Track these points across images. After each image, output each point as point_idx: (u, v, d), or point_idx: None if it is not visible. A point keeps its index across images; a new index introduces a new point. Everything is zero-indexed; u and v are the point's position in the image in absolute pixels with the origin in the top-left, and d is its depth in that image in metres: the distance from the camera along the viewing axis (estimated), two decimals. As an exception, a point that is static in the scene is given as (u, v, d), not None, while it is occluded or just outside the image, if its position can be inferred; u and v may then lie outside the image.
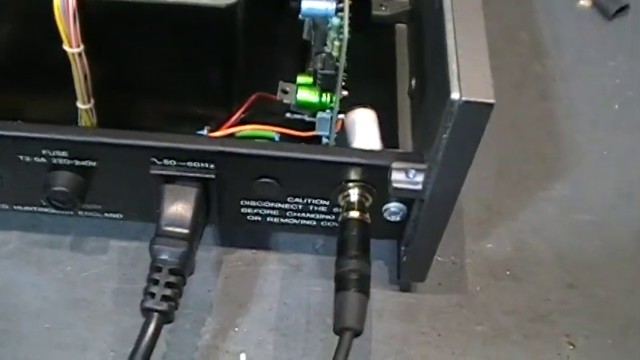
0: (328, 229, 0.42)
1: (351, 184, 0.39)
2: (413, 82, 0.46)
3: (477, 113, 0.32)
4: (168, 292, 0.36)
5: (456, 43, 0.34)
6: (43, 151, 0.38)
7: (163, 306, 0.36)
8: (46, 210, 0.41)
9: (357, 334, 0.36)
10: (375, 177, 0.38)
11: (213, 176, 0.38)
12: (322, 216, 0.41)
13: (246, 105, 0.42)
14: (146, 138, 0.38)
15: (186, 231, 0.38)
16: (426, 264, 0.41)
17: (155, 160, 0.38)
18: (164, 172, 0.38)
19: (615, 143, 0.51)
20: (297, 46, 0.43)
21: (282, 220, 0.41)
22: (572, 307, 0.44)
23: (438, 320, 0.43)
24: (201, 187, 0.39)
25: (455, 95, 0.32)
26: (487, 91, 0.32)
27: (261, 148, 0.38)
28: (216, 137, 0.40)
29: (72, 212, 0.40)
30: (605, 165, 0.50)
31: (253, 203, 0.41)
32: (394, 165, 0.37)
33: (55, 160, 0.38)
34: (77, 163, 0.38)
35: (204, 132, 0.41)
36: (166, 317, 0.36)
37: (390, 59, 0.50)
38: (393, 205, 0.40)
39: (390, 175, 0.37)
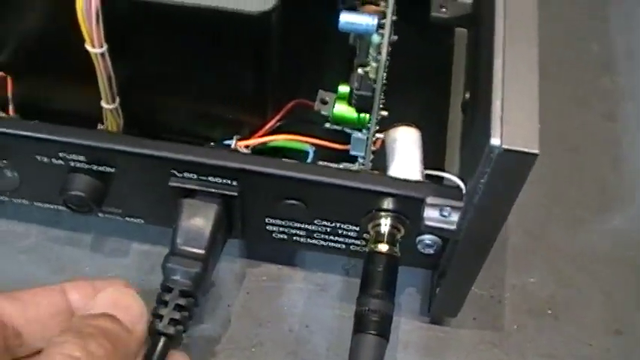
0: (358, 254, 0.39)
1: (382, 214, 0.36)
2: (467, 95, 0.43)
3: (519, 163, 0.29)
4: (177, 315, 0.35)
5: (503, 78, 0.30)
6: (60, 154, 0.37)
7: (170, 330, 0.34)
8: (64, 208, 0.40)
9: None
10: (409, 209, 0.35)
11: (235, 193, 0.36)
12: (351, 240, 0.39)
13: (282, 112, 0.40)
14: (166, 149, 0.36)
15: (202, 251, 0.36)
16: (459, 299, 0.39)
17: (175, 172, 0.36)
18: (184, 185, 0.36)
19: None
20: (345, 50, 0.40)
21: (309, 240, 0.39)
22: (615, 355, 0.41)
23: (467, 358, 0.40)
24: (222, 204, 0.37)
25: (495, 141, 0.29)
26: (531, 139, 0.29)
27: (287, 168, 0.35)
28: (239, 153, 0.38)
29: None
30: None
31: (279, 222, 0.38)
32: (428, 200, 0.34)
33: (72, 163, 0.37)
34: (95, 167, 0.37)
35: (233, 142, 0.39)
36: (173, 341, 0.35)
37: (446, 67, 0.46)
38: (428, 238, 0.37)
39: (423, 211, 0.34)
